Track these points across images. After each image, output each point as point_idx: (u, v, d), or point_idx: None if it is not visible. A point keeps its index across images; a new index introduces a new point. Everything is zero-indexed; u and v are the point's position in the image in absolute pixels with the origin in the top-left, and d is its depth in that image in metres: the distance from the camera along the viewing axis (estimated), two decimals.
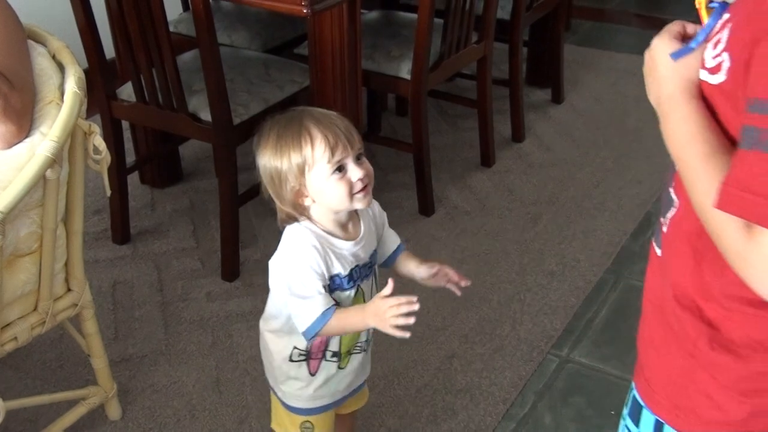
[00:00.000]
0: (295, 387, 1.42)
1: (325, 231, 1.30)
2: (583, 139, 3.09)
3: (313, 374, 1.40)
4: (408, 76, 2.50)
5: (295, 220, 1.30)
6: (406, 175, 2.74)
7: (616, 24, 4.19)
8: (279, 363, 1.41)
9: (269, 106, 2.29)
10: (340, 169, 1.25)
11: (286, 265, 1.30)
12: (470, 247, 2.50)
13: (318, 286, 1.27)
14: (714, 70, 0.81)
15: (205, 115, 2.20)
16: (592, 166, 2.92)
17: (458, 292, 1.44)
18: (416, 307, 1.22)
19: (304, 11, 1.99)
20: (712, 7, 0.89)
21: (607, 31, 4.10)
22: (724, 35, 0.81)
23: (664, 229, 0.93)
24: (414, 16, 2.48)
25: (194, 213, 2.66)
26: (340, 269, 1.30)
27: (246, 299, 2.27)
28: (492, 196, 2.76)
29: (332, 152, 1.24)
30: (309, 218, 1.30)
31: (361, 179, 1.27)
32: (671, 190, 0.92)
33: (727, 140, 0.81)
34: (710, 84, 0.82)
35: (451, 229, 2.59)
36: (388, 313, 1.22)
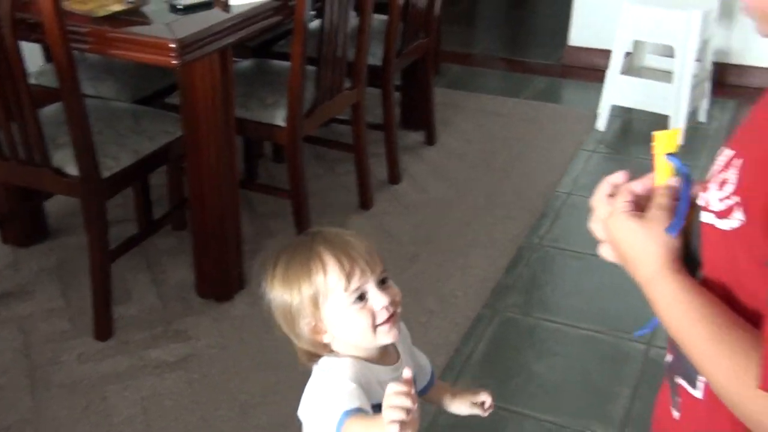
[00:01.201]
0: None
1: (358, 358, 1.12)
2: (456, 179, 3.19)
3: None
4: (283, 123, 2.52)
5: (318, 357, 1.14)
6: (286, 222, 2.74)
7: (482, 68, 4.37)
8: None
9: (140, 158, 2.25)
10: (361, 297, 1.09)
11: (321, 409, 1.07)
12: None
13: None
14: (723, 215, 0.75)
15: (72, 169, 2.14)
16: (466, 205, 3.01)
17: (484, 414, 1.30)
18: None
19: (173, 62, 1.98)
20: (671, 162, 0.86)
21: (475, 75, 4.27)
22: (731, 176, 0.75)
23: (696, 393, 0.84)
24: (287, 64, 2.51)
25: (63, 271, 2.56)
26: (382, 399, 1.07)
27: (121, 358, 2.19)
28: (371, 238, 2.77)
29: (348, 279, 1.08)
30: (333, 354, 1.13)
31: (385, 307, 1.09)
32: None
33: (727, 309, 0.75)
34: (718, 229, 0.75)
35: None
36: (392, 401, 0.99)
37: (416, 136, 3.47)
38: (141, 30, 2.07)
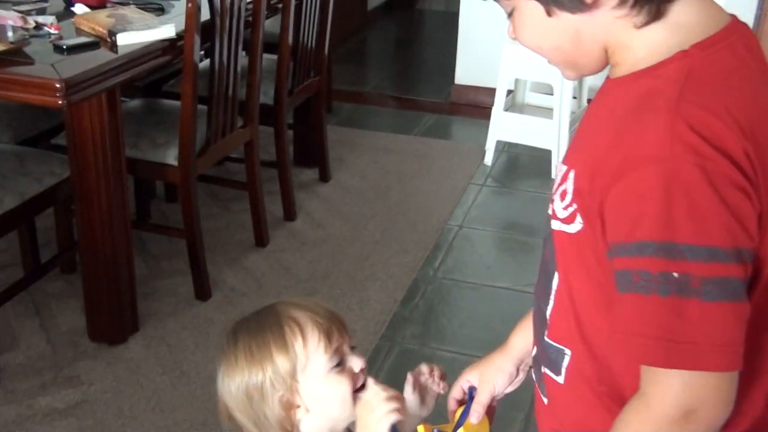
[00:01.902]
0: None
1: None
2: (351, 215, 3.24)
3: None
4: (175, 163, 2.50)
5: None
6: (180, 262, 2.71)
7: (373, 105, 4.47)
8: None
9: (26, 199, 2.19)
10: (340, 362, 1.01)
11: None
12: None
13: None
14: (568, 220, 0.84)
15: None
16: (362, 240, 3.05)
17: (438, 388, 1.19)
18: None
19: (60, 102, 1.95)
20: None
21: (366, 112, 4.36)
22: (569, 186, 0.84)
23: (559, 379, 0.92)
24: (177, 103, 2.51)
25: None
26: None
27: (8, 408, 2.10)
28: (268, 275, 2.80)
29: (328, 339, 0.99)
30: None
31: (362, 370, 1.03)
32: (550, 341, 0.92)
33: None
34: (567, 233, 0.85)
35: (229, 312, 2.58)
36: (384, 407, 0.99)
37: (311, 173, 3.51)
38: (25, 70, 2.03)
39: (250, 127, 2.81)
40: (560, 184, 0.86)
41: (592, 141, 0.83)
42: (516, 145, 3.80)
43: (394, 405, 1.00)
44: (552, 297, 0.91)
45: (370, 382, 1.02)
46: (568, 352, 0.90)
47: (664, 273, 0.74)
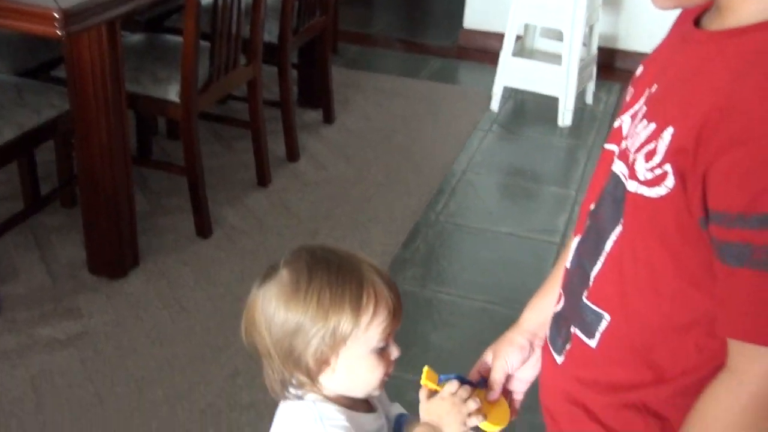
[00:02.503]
0: None
1: (341, 405, 1.00)
2: (355, 157, 3.21)
3: None
4: (177, 99, 2.47)
5: (291, 387, 0.99)
6: (182, 199, 2.70)
7: (380, 48, 4.41)
8: None
9: (24, 131, 2.17)
10: (384, 345, 0.98)
11: None
12: (250, 267, 2.50)
13: None
14: (653, 183, 0.78)
15: None
16: (365, 182, 3.03)
17: None
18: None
19: (59, 33, 1.91)
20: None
21: (373, 55, 4.30)
22: (662, 144, 0.77)
23: (591, 342, 0.87)
24: (179, 38, 2.46)
25: None
26: None
27: (8, 336, 2.11)
28: (269, 215, 2.79)
29: (391, 321, 0.96)
30: (317, 390, 0.99)
31: (396, 359, 1.00)
32: (589, 304, 0.87)
33: None
34: (646, 197, 0.79)
35: (230, 250, 2.58)
36: (467, 407, 0.99)
37: (314, 115, 3.47)
38: None
39: (253, 65, 2.77)
40: (646, 142, 0.79)
41: (693, 96, 0.75)
42: (523, 91, 3.76)
43: (473, 407, 0.99)
44: (602, 258, 0.85)
45: (455, 382, 1.01)
46: (607, 317, 0.85)
47: None
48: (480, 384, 1.07)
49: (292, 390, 0.99)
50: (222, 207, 2.78)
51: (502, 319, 2.37)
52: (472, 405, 1.00)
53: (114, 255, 2.36)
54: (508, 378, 1.06)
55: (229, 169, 3.04)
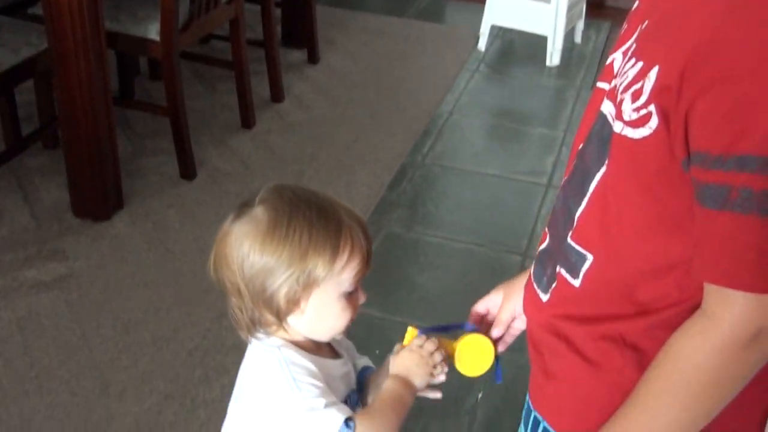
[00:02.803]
0: None
1: (307, 350, 0.99)
2: (340, 97, 3.18)
3: None
4: (157, 38, 2.42)
5: (259, 327, 0.98)
6: (165, 140, 2.66)
7: None
8: None
9: (3, 70, 2.12)
10: (353, 291, 0.98)
11: (274, 392, 0.95)
12: (233, 208, 2.49)
13: (328, 395, 0.95)
14: (637, 123, 0.76)
15: None
16: (350, 123, 3.01)
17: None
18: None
19: None
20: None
21: None
22: (648, 84, 0.75)
23: (575, 282, 0.86)
24: None
25: None
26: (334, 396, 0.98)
27: None
28: (254, 157, 2.77)
29: (363, 267, 0.96)
30: (283, 331, 0.98)
31: (361, 304, 1.00)
32: (573, 244, 0.86)
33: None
34: (629, 138, 0.77)
35: (214, 193, 2.56)
36: (433, 359, 1.01)
37: (299, 55, 3.42)
38: None
39: (235, 3, 2.71)
40: (633, 82, 0.77)
41: (680, 32, 0.73)
42: (511, 30, 3.71)
43: (439, 359, 1.02)
44: (586, 199, 0.85)
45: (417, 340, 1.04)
46: (590, 257, 0.85)
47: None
48: (467, 329, 1.09)
49: (260, 330, 0.98)
50: (206, 149, 2.75)
51: (488, 260, 2.39)
52: (438, 357, 1.02)
53: (97, 197, 2.34)
54: (513, 319, 1.08)
55: (212, 111, 3.00)
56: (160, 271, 2.20)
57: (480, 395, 1.89)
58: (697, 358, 0.76)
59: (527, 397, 0.99)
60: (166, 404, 1.80)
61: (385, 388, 1.01)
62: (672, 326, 0.80)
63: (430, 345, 1.03)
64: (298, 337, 0.99)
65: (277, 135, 2.90)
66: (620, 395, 0.85)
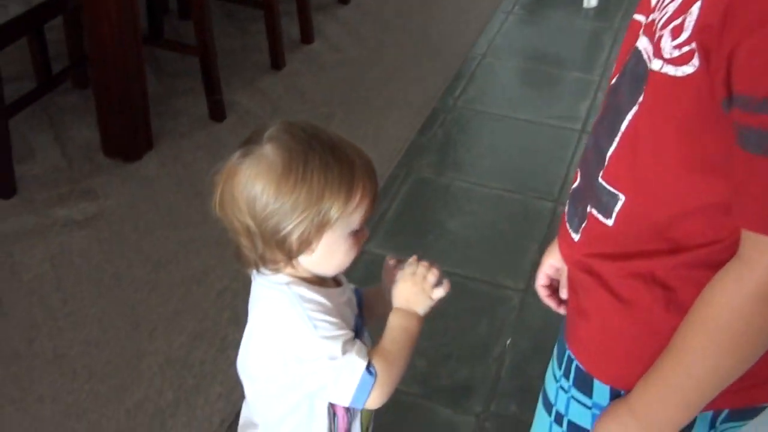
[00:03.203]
0: None
1: (312, 284, 1.00)
2: (371, 39, 3.12)
3: None
4: None
5: (267, 265, 0.97)
6: (195, 81, 2.64)
7: None
8: None
9: (32, 6, 2.11)
10: (359, 229, 0.98)
11: (288, 331, 0.96)
12: None
13: (345, 332, 0.97)
14: (678, 61, 0.73)
15: None
16: (381, 65, 2.96)
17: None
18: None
19: None
20: None
21: None
22: (690, 20, 0.72)
23: (608, 222, 0.84)
24: None
25: None
26: (346, 326, 1.00)
27: (27, 216, 2.13)
28: (283, 99, 2.74)
29: (367, 214, 0.97)
30: (291, 268, 0.98)
31: (364, 242, 1.01)
32: (604, 184, 0.84)
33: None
34: (670, 76, 0.74)
35: (244, 134, 2.49)
36: (428, 282, 1.02)
37: None
38: None
39: None
40: (673, 17, 0.74)
41: None
42: None
43: (433, 279, 1.03)
44: (618, 138, 0.82)
45: (413, 259, 1.05)
46: (621, 197, 0.83)
47: None
48: None
49: (268, 267, 0.97)
50: (235, 90, 2.73)
51: (520, 206, 2.36)
52: (431, 278, 1.03)
53: (127, 137, 2.34)
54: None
55: (242, 52, 2.97)
56: (189, 213, 2.20)
57: (508, 341, 1.89)
58: (732, 305, 0.74)
59: (560, 335, 0.98)
60: (196, 344, 1.82)
61: (391, 325, 1.02)
62: (704, 265, 0.78)
63: (422, 269, 1.03)
64: (305, 274, 0.99)
65: (307, 77, 2.86)
66: (648, 334, 0.84)
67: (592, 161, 0.87)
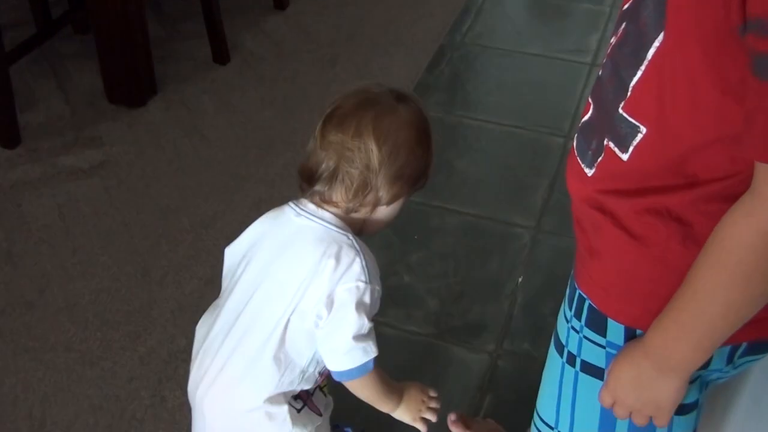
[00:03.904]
0: None
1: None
2: None
3: (321, 414, 1.20)
4: None
5: (351, 203, 1.09)
6: (197, 23, 2.59)
7: None
8: None
9: None
10: None
11: (370, 286, 1.08)
12: (270, 94, 2.44)
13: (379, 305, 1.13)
14: None
15: None
16: (386, 3, 2.89)
17: None
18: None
19: None
20: None
21: None
22: None
23: (624, 156, 0.82)
24: None
25: None
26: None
27: (32, 165, 2.12)
28: (288, 39, 2.69)
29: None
30: (364, 213, 1.12)
31: None
32: (625, 115, 0.81)
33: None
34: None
35: (249, 77, 2.51)
36: (421, 405, 1.20)
37: None
38: None
39: None
40: None
41: None
42: None
43: (433, 406, 1.21)
44: (643, 67, 0.79)
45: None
46: (643, 129, 0.80)
47: None
48: None
49: (351, 206, 1.09)
50: (239, 32, 2.68)
51: (530, 143, 2.33)
52: (429, 415, 1.22)
53: (130, 83, 2.31)
54: None
55: None
56: (196, 158, 2.18)
57: (520, 279, 1.88)
58: (744, 239, 0.72)
59: (571, 277, 0.97)
60: (207, 289, 1.82)
61: (390, 387, 1.17)
62: (721, 198, 0.76)
63: (434, 403, 1.21)
64: (356, 226, 1.12)
65: (311, 16, 2.80)
66: (664, 270, 0.82)
67: (611, 91, 0.84)
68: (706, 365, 0.87)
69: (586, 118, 0.90)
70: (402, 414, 1.20)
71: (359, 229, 1.14)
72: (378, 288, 1.09)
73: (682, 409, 0.92)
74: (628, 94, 0.80)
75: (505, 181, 2.20)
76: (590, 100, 0.90)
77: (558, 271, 1.87)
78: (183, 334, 1.71)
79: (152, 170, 2.14)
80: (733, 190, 0.75)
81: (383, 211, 1.11)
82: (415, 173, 1.10)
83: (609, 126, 0.84)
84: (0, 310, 1.77)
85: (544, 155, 2.27)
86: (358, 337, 1.06)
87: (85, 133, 2.23)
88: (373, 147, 1.05)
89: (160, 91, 2.39)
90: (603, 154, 0.85)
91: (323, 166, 1.07)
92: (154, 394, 1.60)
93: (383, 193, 1.08)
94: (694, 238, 0.79)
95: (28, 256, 1.88)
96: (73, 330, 1.73)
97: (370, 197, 1.08)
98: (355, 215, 1.10)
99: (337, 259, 1.06)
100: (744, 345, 0.88)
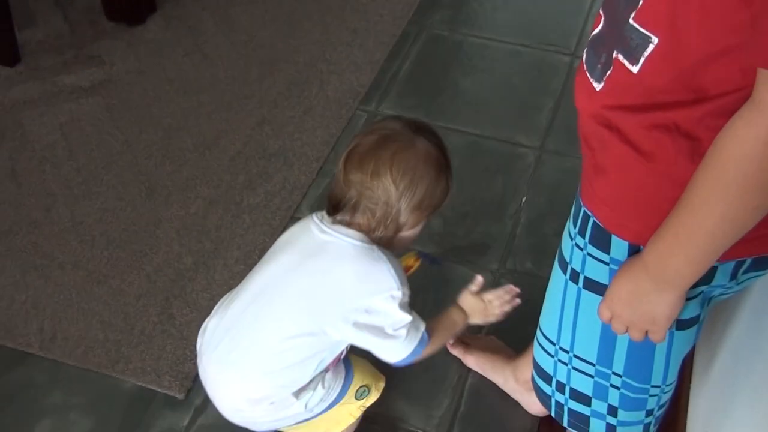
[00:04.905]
0: (334, 392, 1.25)
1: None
2: None
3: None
4: None
5: (375, 228, 1.16)
6: None
7: None
8: (312, 406, 1.22)
9: None
10: None
11: (396, 291, 1.14)
12: (271, 10, 2.40)
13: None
14: None
15: None
16: None
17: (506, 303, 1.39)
18: (517, 297, 1.33)
19: None
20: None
21: None
22: None
23: (634, 68, 0.81)
24: None
25: None
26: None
27: (33, 84, 2.10)
28: None
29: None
30: (388, 235, 1.18)
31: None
32: (636, 25, 0.79)
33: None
34: None
35: None
36: (492, 309, 1.30)
37: None
38: None
39: None
40: None
41: None
42: None
43: (496, 310, 1.32)
44: None
45: (474, 287, 1.33)
46: (654, 40, 0.78)
47: None
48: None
49: (375, 230, 1.16)
50: None
51: (535, 61, 2.29)
52: (496, 309, 1.31)
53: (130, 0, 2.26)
54: None
55: None
56: (198, 77, 2.16)
57: (524, 199, 1.88)
58: (743, 149, 0.72)
59: (576, 194, 0.97)
60: (211, 209, 1.82)
61: (449, 313, 1.29)
62: (729, 114, 0.75)
63: (497, 300, 1.30)
64: (381, 242, 1.17)
65: None
66: (671, 186, 0.81)
67: (622, 2, 0.82)
68: (709, 281, 0.88)
69: (596, 30, 0.88)
70: (476, 321, 1.31)
71: (385, 245, 1.19)
72: (407, 291, 1.16)
73: (682, 324, 0.94)
74: (640, 3, 0.79)
75: (509, 101, 2.17)
76: (601, 12, 0.88)
77: (562, 191, 1.87)
78: (189, 253, 1.73)
79: (153, 89, 2.12)
80: (741, 105, 0.74)
81: (406, 233, 1.19)
82: (434, 202, 1.17)
83: (619, 38, 0.82)
84: (7, 228, 1.78)
85: (549, 74, 2.24)
86: (407, 327, 1.16)
87: (85, 51, 2.20)
88: (390, 186, 1.12)
89: (160, 9, 2.34)
90: (612, 67, 0.83)
91: (346, 197, 1.15)
92: (162, 311, 1.63)
93: (404, 221, 1.16)
94: (701, 154, 0.79)
95: (33, 175, 1.89)
96: (80, 248, 1.74)
97: (391, 226, 1.16)
98: (378, 234, 1.17)
99: (368, 272, 1.13)
100: (748, 261, 0.89)
